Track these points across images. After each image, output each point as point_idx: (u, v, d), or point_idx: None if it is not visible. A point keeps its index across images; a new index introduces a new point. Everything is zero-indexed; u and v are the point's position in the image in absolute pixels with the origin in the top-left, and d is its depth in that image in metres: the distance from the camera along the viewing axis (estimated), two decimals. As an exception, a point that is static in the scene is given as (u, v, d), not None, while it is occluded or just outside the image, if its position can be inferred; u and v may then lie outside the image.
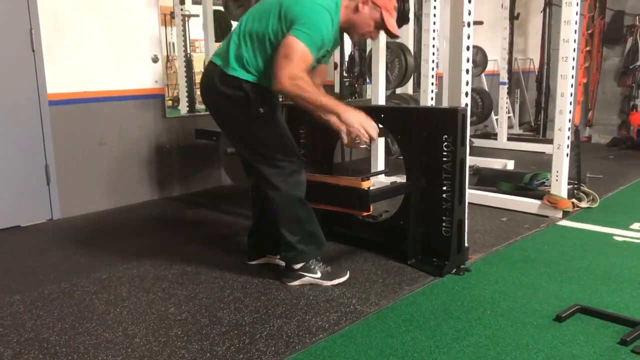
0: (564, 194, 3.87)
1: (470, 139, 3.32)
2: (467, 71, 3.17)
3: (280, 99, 2.84)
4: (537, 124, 7.56)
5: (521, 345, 2.15)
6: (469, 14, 3.11)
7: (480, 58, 6.81)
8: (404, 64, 5.25)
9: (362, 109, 2.50)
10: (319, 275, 2.72)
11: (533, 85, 7.91)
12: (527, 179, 4.35)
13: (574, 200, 3.96)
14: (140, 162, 4.49)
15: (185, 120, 4.80)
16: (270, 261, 2.99)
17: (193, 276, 2.89)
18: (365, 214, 2.81)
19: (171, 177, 4.71)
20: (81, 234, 3.73)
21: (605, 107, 7.17)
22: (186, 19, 5.10)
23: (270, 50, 2.47)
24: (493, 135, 7.12)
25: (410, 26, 5.69)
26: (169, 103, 4.75)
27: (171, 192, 4.71)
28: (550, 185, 3.96)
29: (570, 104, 3.76)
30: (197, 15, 5.00)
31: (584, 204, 4.05)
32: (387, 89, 4.70)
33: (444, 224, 2.87)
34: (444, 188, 2.84)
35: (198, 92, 5.05)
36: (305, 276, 2.72)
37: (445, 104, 5.11)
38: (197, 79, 5.24)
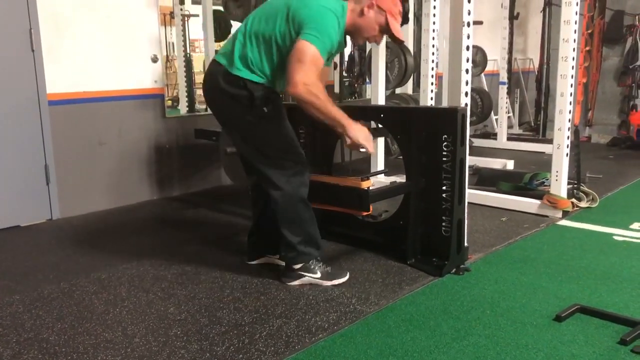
0: (563, 193, 3.87)
1: (469, 139, 3.32)
2: (467, 71, 3.17)
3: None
4: (537, 124, 7.56)
5: (521, 345, 2.15)
6: (469, 13, 3.11)
7: (479, 58, 6.81)
8: (404, 64, 5.26)
9: (362, 109, 2.50)
10: (318, 275, 2.72)
11: (533, 85, 7.91)
12: (527, 179, 4.35)
13: (573, 200, 3.96)
14: (140, 162, 4.49)
15: (185, 120, 4.79)
16: (270, 261, 2.99)
17: (192, 276, 2.89)
18: (365, 213, 2.82)
19: (171, 177, 4.71)
20: (81, 233, 3.73)
21: (605, 107, 7.17)
22: (186, 18, 5.10)
23: (276, 51, 2.47)
24: (493, 135, 7.13)
25: (410, 26, 5.70)
26: (169, 103, 4.75)
27: (171, 192, 4.71)
28: (550, 185, 3.95)
29: (570, 103, 3.76)
30: (197, 15, 5.00)
31: (583, 204, 4.05)
32: (386, 88, 4.70)
33: (443, 224, 2.87)
34: (444, 188, 2.83)
35: (198, 92, 5.06)
36: (305, 276, 2.72)
37: (444, 103, 5.10)
38: (197, 78, 5.25)
